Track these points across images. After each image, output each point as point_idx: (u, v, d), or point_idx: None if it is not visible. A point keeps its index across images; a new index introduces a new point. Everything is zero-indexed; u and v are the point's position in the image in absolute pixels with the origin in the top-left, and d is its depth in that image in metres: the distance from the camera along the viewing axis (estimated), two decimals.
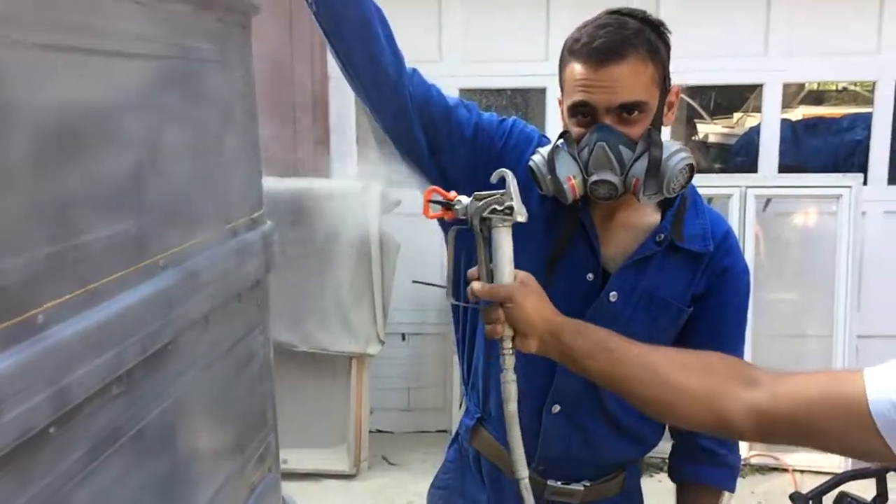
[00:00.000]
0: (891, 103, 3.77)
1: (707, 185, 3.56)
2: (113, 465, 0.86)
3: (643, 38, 1.26)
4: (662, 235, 1.35)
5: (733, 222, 3.51)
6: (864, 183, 3.67)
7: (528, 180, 1.33)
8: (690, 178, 1.30)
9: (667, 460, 1.55)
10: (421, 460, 3.69)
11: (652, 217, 1.38)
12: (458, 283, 1.51)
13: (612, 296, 1.37)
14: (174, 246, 0.99)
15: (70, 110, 0.79)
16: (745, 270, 1.42)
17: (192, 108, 1.06)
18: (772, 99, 3.86)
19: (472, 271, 1.19)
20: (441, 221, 1.46)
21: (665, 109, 1.33)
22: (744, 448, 3.46)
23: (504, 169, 1.16)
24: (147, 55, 0.94)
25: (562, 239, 1.37)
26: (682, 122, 5.60)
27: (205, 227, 1.09)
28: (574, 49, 1.27)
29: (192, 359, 1.05)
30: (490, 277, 1.17)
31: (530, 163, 1.33)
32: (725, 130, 6.39)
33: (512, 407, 1.18)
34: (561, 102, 1.34)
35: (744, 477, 3.43)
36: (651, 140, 1.27)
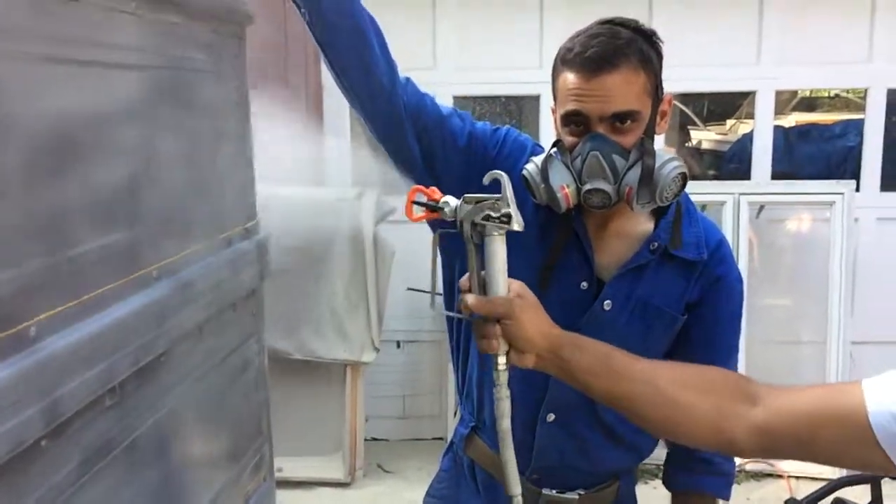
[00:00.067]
0: (882, 111, 3.79)
1: (701, 192, 3.57)
2: (106, 478, 0.85)
3: (635, 47, 1.27)
4: (656, 244, 1.36)
5: (727, 229, 3.52)
6: (857, 189, 3.69)
7: (522, 189, 1.33)
8: (683, 186, 1.30)
9: (662, 467, 1.55)
10: (416, 468, 3.69)
11: (645, 225, 1.38)
12: (451, 292, 1.51)
13: (607, 304, 1.37)
14: (168, 256, 0.99)
15: (63, 121, 0.79)
16: (739, 279, 1.42)
17: (185, 119, 1.06)
18: (764, 106, 3.87)
19: (464, 281, 1.12)
20: (431, 223, 1.46)
21: (658, 118, 1.33)
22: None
23: (498, 171, 1.10)
24: (140, 66, 0.94)
25: (555, 247, 1.37)
26: (675, 128, 5.61)
27: (199, 237, 1.09)
28: (567, 58, 1.28)
29: (186, 369, 1.04)
30: (482, 288, 1.10)
31: (524, 171, 1.34)
32: (719, 137, 6.41)
33: (505, 424, 1.12)
34: (554, 111, 1.35)
35: (739, 483, 3.43)
36: (644, 149, 1.28)
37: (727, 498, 1.50)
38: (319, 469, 3.59)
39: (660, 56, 1.32)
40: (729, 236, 3.49)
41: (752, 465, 3.58)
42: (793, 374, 3.74)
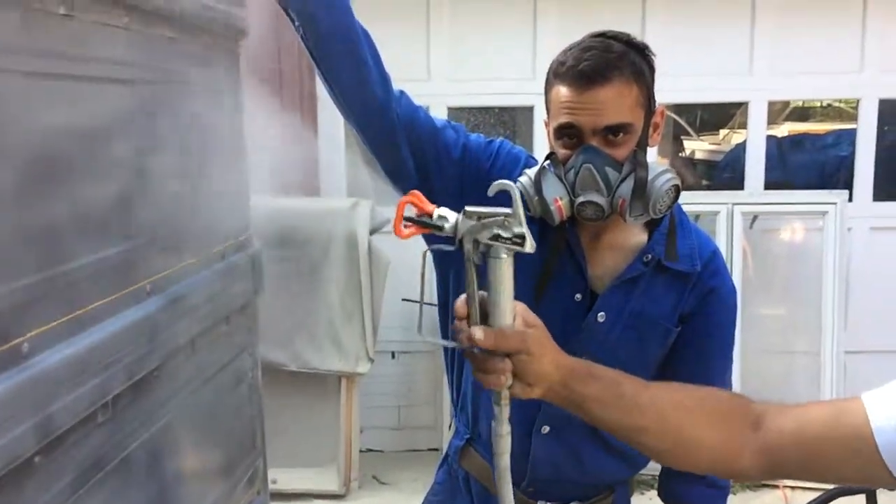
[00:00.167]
0: (874, 121, 3.82)
1: (694, 202, 3.58)
2: (99, 494, 0.85)
3: (628, 60, 1.27)
4: (650, 256, 1.36)
5: (721, 239, 3.53)
6: (850, 199, 3.70)
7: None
8: (676, 198, 1.31)
9: (657, 478, 1.55)
10: (412, 479, 3.67)
11: (639, 237, 1.39)
12: (445, 312, 1.50)
13: (601, 316, 1.37)
14: (161, 270, 0.99)
15: (56, 137, 0.79)
16: (732, 291, 1.42)
17: (179, 133, 1.07)
18: (757, 117, 3.89)
19: (460, 307, 0.97)
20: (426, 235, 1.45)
21: (650, 131, 1.34)
22: None
23: (507, 182, 0.96)
24: (134, 81, 0.95)
25: (550, 260, 1.37)
26: (668, 138, 5.64)
27: (192, 251, 1.09)
28: (559, 72, 1.28)
29: (179, 384, 1.04)
30: (483, 315, 0.96)
31: (517, 184, 1.34)
32: (712, 147, 6.43)
33: (505, 461, 1.02)
34: (547, 124, 1.35)
35: (734, 493, 3.43)
36: (637, 161, 1.28)
37: None
38: (314, 481, 3.57)
39: (652, 69, 1.33)
40: (722, 246, 3.50)
41: None
42: (786, 383, 3.75)
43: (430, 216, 0.94)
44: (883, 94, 3.79)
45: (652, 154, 1.24)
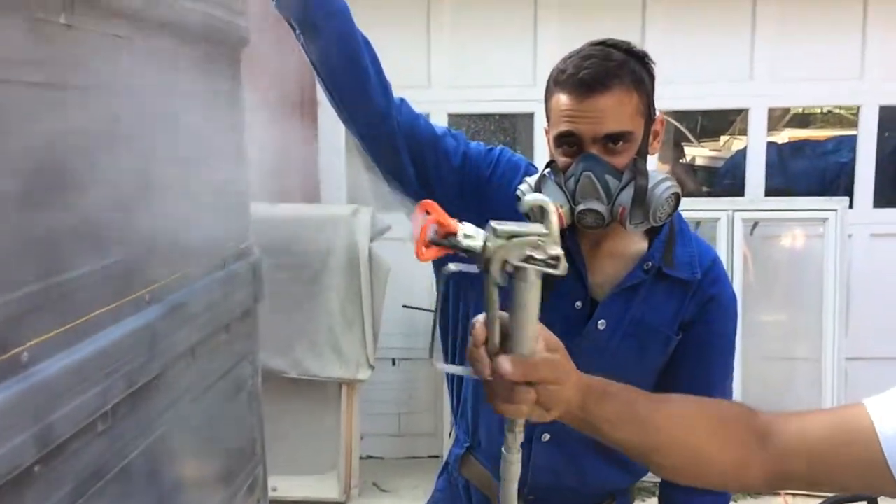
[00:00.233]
0: (875, 128, 3.82)
1: (695, 208, 3.58)
2: (98, 503, 0.85)
3: (628, 68, 1.27)
4: (650, 263, 1.36)
5: (721, 245, 3.53)
6: (850, 206, 3.70)
7: (516, 209, 1.33)
8: (676, 206, 1.31)
9: (658, 485, 1.54)
10: (412, 486, 3.67)
11: (639, 245, 1.39)
12: (455, 331, 1.49)
13: (601, 324, 1.37)
14: (161, 279, 0.99)
15: (56, 146, 0.79)
16: (733, 299, 1.42)
17: (179, 142, 1.07)
18: (758, 123, 3.89)
19: (479, 331, 0.88)
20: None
21: (650, 139, 1.34)
22: None
23: (543, 197, 0.89)
24: (135, 90, 0.95)
25: None
26: (669, 145, 5.64)
27: (192, 260, 1.10)
28: (559, 80, 1.29)
29: (179, 392, 1.04)
30: (503, 338, 0.88)
31: (518, 192, 1.34)
32: (712, 153, 6.44)
33: (511, 490, 0.96)
34: (547, 132, 1.35)
35: (736, 501, 3.42)
36: (637, 169, 1.28)
37: None
38: (314, 488, 3.56)
39: (652, 77, 1.33)
40: (723, 253, 3.50)
41: None
42: (788, 390, 3.74)
43: (455, 235, 0.84)
44: (883, 100, 3.79)
45: (652, 161, 1.24)
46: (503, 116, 4.15)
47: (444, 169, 1.40)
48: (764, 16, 3.74)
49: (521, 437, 0.92)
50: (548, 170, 1.34)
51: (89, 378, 0.80)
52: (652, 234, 1.39)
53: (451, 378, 1.55)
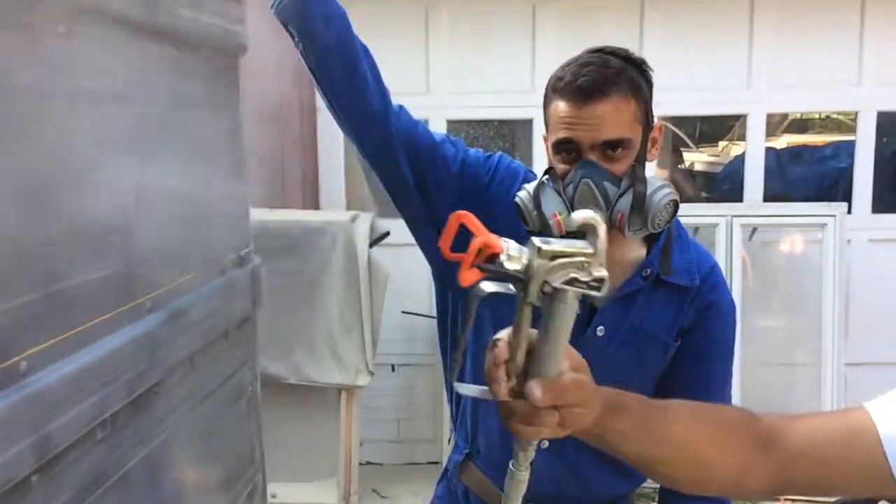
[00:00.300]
0: (873, 134, 3.83)
1: (693, 214, 3.59)
2: None
3: (626, 76, 1.28)
4: (648, 270, 1.36)
5: (720, 251, 3.54)
6: (849, 211, 3.70)
7: (514, 216, 1.34)
8: (675, 213, 1.31)
9: (658, 491, 1.54)
10: (412, 493, 3.66)
11: (638, 252, 1.39)
12: (444, 331, 1.48)
13: (599, 330, 1.37)
14: (160, 287, 0.99)
15: (56, 154, 0.79)
16: (731, 305, 1.43)
17: (178, 149, 1.07)
18: (756, 129, 3.90)
19: (502, 349, 0.82)
20: (432, 254, 1.44)
21: (649, 146, 1.34)
22: None
23: (591, 213, 0.81)
24: (134, 97, 0.95)
25: None
26: (667, 150, 5.65)
27: (192, 267, 1.09)
28: (558, 87, 1.29)
29: (178, 400, 1.04)
30: (525, 358, 0.83)
31: (516, 199, 1.34)
32: (711, 159, 6.45)
33: None
34: (546, 139, 1.36)
35: None
36: (635, 176, 1.29)
37: None
38: (313, 494, 3.55)
39: (650, 84, 1.33)
40: (722, 258, 3.50)
41: None
42: (787, 395, 3.74)
43: (499, 256, 0.78)
44: (881, 106, 3.80)
45: (651, 167, 1.25)
46: (502, 122, 4.16)
47: (442, 175, 1.40)
48: (761, 23, 3.76)
49: (532, 455, 0.88)
50: (546, 176, 1.34)
51: (88, 386, 0.80)
52: (650, 240, 1.39)
53: (451, 385, 1.54)
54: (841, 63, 3.78)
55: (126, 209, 0.92)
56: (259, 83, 3.35)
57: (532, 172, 1.45)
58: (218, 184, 1.20)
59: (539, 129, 3.59)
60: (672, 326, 1.39)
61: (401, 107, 1.42)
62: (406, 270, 3.43)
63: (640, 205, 1.27)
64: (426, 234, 1.44)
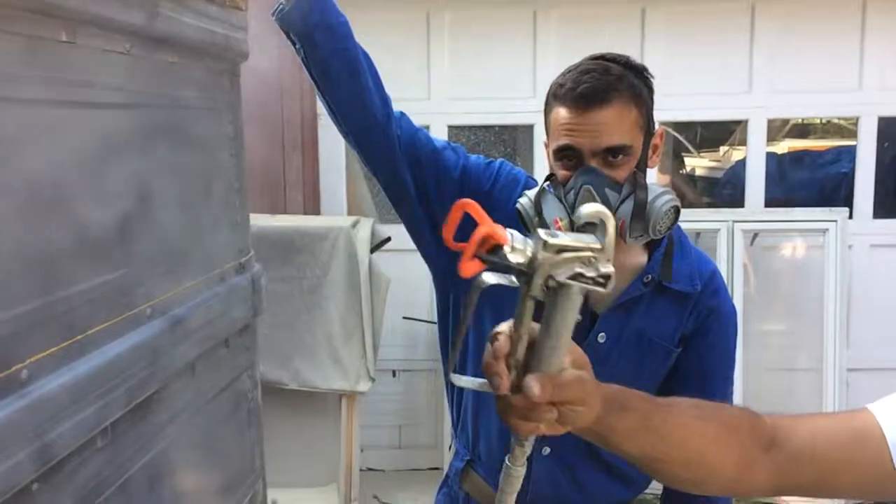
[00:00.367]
0: (874, 139, 3.82)
1: (695, 219, 3.58)
2: None
3: (626, 82, 1.28)
4: (650, 276, 1.36)
5: (721, 256, 3.53)
6: (850, 216, 3.70)
7: (516, 222, 1.34)
8: (676, 219, 1.31)
9: (660, 497, 1.54)
10: (413, 499, 3.65)
11: (639, 258, 1.39)
12: (445, 334, 1.48)
13: (601, 337, 1.37)
14: (161, 294, 0.99)
15: (57, 162, 0.79)
16: (733, 311, 1.42)
17: (179, 156, 1.07)
18: (757, 135, 3.90)
19: (503, 343, 0.81)
20: (437, 251, 1.43)
21: (650, 152, 1.34)
22: None
23: (601, 207, 0.80)
24: (135, 105, 0.95)
25: None
26: (669, 156, 5.64)
27: (192, 274, 1.09)
28: (559, 94, 1.29)
29: (179, 407, 1.04)
30: (527, 353, 0.81)
31: (518, 205, 1.34)
32: (712, 164, 6.44)
33: (510, 501, 0.91)
34: (547, 146, 1.36)
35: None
36: (636, 182, 1.29)
37: None
38: (314, 501, 3.55)
39: (651, 90, 1.33)
40: (723, 263, 3.50)
41: None
42: (789, 400, 3.73)
43: (502, 247, 0.76)
44: (882, 111, 3.80)
45: (652, 172, 1.24)
46: (503, 128, 4.16)
47: (443, 182, 1.41)
48: (762, 28, 3.76)
49: (529, 451, 0.87)
50: (547, 183, 1.34)
51: (89, 394, 0.80)
52: (651, 247, 1.39)
53: (452, 391, 1.54)
54: (842, 68, 3.78)
55: (126, 217, 0.92)
56: (260, 89, 3.36)
57: (533, 179, 1.45)
58: (218, 190, 1.20)
59: (540, 135, 3.59)
60: (674, 333, 1.39)
61: (402, 114, 1.42)
62: (407, 276, 3.43)
63: (641, 211, 1.27)
64: (427, 239, 1.44)
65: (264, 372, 1.37)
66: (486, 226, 0.75)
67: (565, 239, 0.77)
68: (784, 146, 6.00)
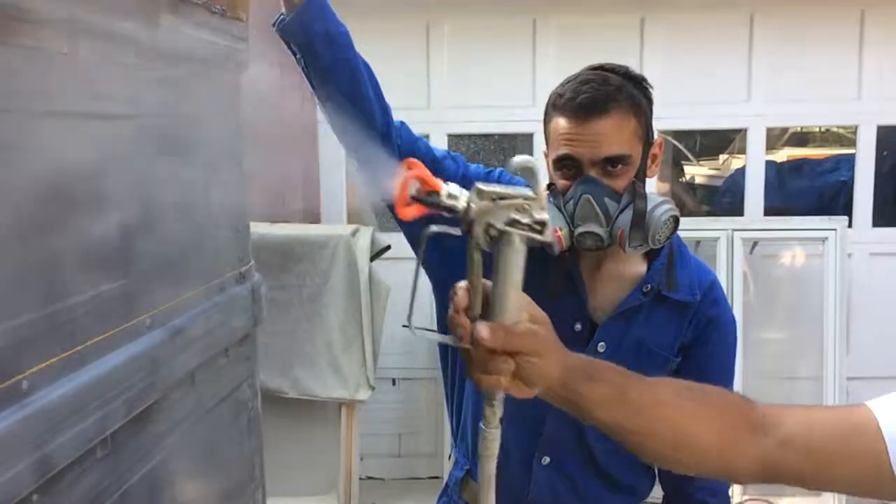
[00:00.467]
0: (873, 148, 3.83)
1: (694, 228, 3.59)
2: None
3: (625, 92, 1.29)
4: (649, 286, 1.37)
5: (721, 264, 3.54)
6: (849, 225, 3.71)
7: None
8: (675, 229, 1.32)
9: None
10: None
11: (638, 268, 1.39)
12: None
13: (600, 346, 1.37)
14: (161, 304, 0.99)
15: (57, 173, 0.79)
16: (732, 320, 1.43)
17: (179, 166, 1.07)
18: (756, 144, 3.91)
19: (461, 298, 0.86)
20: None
21: (649, 162, 1.35)
22: (738, 490, 3.44)
23: (529, 158, 0.84)
24: (135, 115, 0.95)
25: (550, 290, 1.37)
26: (668, 164, 5.66)
27: (192, 284, 1.10)
28: (558, 104, 1.30)
29: (179, 417, 1.04)
30: (485, 307, 0.85)
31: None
32: (712, 172, 6.45)
33: (490, 467, 0.92)
34: (546, 155, 1.36)
35: None
36: (635, 192, 1.29)
37: None
38: None
39: (650, 101, 1.34)
40: (723, 272, 3.50)
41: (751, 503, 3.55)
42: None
43: (438, 193, 0.80)
44: (881, 120, 3.81)
45: (651, 181, 1.25)
46: (502, 137, 4.17)
47: None
48: (761, 37, 3.77)
49: (500, 412, 0.89)
50: (547, 192, 1.34)
51: (89, 405, 0.80)
52: (651, 256, 1.40)
53: (452, 401, 1.54)
54: (841, 77, 3.79)
55: (127, 227, 0.92)
56: (260, 98, 3.36)
57: None
58: (218, 200, 1.20)
59: (539, 144, 3.59)
60: (673, 342, 1.39)
61: (402, 123, 1.42)
62: (407, 284, 3.38)
63: (640, 221, 1.28)
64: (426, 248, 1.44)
65: (264, 380, 1.37)
66: (418, 170, 0.79)
67: (498, 188, 0.81)
68: (783, 155, 6.00)
